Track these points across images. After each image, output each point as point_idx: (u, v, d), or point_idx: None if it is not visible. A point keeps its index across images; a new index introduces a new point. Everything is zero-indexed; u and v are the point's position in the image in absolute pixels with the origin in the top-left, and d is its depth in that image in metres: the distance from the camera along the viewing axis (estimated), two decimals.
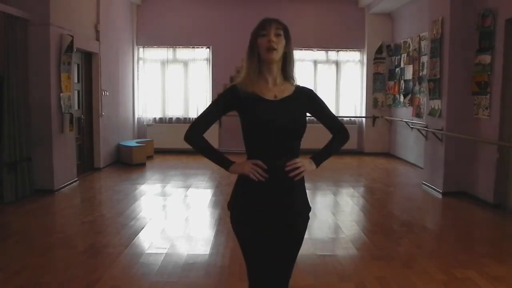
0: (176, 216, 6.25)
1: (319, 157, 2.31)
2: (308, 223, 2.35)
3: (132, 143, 10.49)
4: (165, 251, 4.74)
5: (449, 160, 7.37)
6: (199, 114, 2.30)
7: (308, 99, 2.29)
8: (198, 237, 5.24)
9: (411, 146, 10.55)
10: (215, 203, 6.87)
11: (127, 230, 5.41)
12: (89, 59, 8.95)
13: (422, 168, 8.76)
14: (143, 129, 11.82)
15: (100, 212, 6.36)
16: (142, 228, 5.49)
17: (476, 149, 7.02)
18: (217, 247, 4.87)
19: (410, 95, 10.40)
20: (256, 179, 2.13)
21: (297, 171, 2.15)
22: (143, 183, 8.24)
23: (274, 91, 2.21)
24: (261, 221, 2.18)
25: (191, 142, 2.25)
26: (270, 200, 2.17)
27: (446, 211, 6.79)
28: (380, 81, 11.85)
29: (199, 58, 11.80)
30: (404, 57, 10.74)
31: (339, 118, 2.51)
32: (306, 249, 4.47)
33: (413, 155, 10.36)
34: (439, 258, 4.66)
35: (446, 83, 7.29)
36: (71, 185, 7.78)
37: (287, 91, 2.24)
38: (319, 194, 7.70)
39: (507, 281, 4.06)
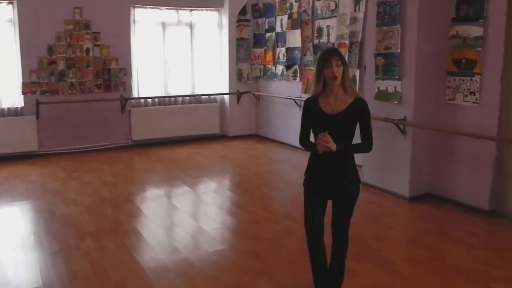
0: None
1: (342, 147, 2.95)
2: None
3: None
4: None
5: (417, 158, 5.83)
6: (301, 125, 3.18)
7: (358, 111, 3.01)
8: None
9: (296, 127, 8.76)
10: None
11: None
12: None
13: None
14: None
15: None
16: None
17: (454, 143, 5.67)
18: None
19: (296, 66, 8.59)
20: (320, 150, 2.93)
21: (324, 143, 2.88)
22: None
23: (333, 105, 2.99)
24: (319, 184, 3.14)
25: (304, 146, 3.18)
26: (324, 170, 3.09)
27: (437, 224, 5.26)
28: (245, 49, 9.79)
29: None
30: (283, 20, 8.84)
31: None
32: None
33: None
34: None
35: (412, 60, 5.65)
36: None
37: (344, 104, 2.98)
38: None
39: None
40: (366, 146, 3.08)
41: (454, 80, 5.53)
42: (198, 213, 5.66)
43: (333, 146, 2.93)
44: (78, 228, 5.00)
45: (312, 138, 3.19)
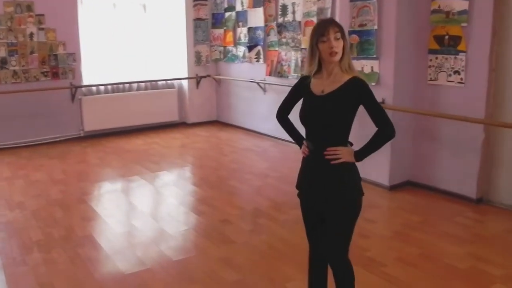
0: None
1: (361, 153, 2.43)
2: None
3: None
4: None
5: (397, 144, 5.36)
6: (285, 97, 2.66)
7: (356, 92, 2.38)
8: None
9: (261, 113, 8.30)
10: None
11: None
12: None
13: (285, 141, 7.40)
14: None
15: None
16: None
17: (437, 127, 5.28)
18: None
19: (259, 47, 8.00)
20: (304, 155, 2.55)
21: (332, 157, 2.38)
22: None
23: (325, 85, 2.42)
24: (308, 193, 2.56)
25: (279, 121, 2.74)
26: (313, 178, 2.51)
27: (431, 215, 4.84)
28: (203, 30, 9.12)
29: None
30: None
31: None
32: None
33: (266, 124, 8.17)
34: None
35: (391, 38, 5.19)
36: None
37: (337, 84, 2.39)
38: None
39: None
40: (386, 132, 2.44)
41: (436, 58, 5.10)
42: (161, 214, 5.06)
43: (346, 154, 2.43)
44: (24, 238, 4.34)
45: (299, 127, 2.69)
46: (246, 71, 8.48)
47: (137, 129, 8.68)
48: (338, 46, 2.36)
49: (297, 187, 2.66)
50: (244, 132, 8.69)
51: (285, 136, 7.40)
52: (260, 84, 8.11)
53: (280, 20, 7.52)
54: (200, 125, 9.28)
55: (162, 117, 8.97)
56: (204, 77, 9.24)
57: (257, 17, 7.97)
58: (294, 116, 2.71)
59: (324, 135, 2.45)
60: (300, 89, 2.59)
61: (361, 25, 5.43)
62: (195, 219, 4.84)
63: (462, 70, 4.88)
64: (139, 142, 8.02)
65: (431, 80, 5.19)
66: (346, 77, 2.42)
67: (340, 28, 2.40)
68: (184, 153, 7.56)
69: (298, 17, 7.17)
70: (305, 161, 2.59)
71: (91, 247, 4.17)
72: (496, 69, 4.73)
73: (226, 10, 8.74)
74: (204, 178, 6.17)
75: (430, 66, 5.18)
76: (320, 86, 2.46)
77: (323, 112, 2.40)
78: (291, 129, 2.74)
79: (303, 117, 2.51)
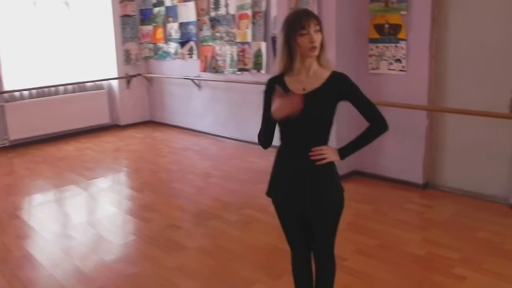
0: None
1: (345, 150, 2.33)
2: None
3: None
4: None
5: (342, 134, 5.31)
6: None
7: (340, 87, 2.25)
8: None
9: (197, 110, 8.09)
10: None
11: None
12: None
13: (224, 138, 7.48)
14: None
15: None
16: None
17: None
18: None
19: (191, 43, 7.77)
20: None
21: (318, 157, 2.24)
22: None
23: (305, 83, 2.23)
24: (290, 198, 2.35)
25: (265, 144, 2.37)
26: (296, 181, 2.30)
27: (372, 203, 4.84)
28: (131, 27, 8.74)
29: None
30: None
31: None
32: None
33: (203, 122, 8.01)
34: None
35: (331, 28, 5.13)
36: None
37: (320, 80, 2.23)
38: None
39: None
40: (379, 126, 2.33)
41: (377, 47, 5.09)
42: (103, 224, 4.72)
43: (331, 154, 2.29)
44: None
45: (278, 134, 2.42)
46: (179, 68, 8.21)
47: (67, 135, 8.17)
48: (318, 40, 2.19)
49: (271, 193, 2.45)
50: (180, 131, 8.42)
51: (223, 133, 7.28)
52: (195, 80, 7.87)
53: (213, 14, 7.32)
54: (134, 127, 8.90)
55: (92, 121, 8.50)
56: (135, 76, 8.87)
57: (188, 12, 7.71)
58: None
59: (307, 135, 2.28)
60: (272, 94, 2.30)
61: None
62: (140, 227, 4.56)
63: (403, 58, 4.90)
64: (70, 148, 7.55)
65: (372, 69, 5.18)
66: (327, 73, 2.27)
67: (319, 21, 2.22)
68: (119, 157, 7.20)
69: (232, 10, 7.00)
70: (282, 163, 2.38)
71: (30, 267, 3.80)
72: (436, 56, 4.78)
73: (154, 5, 8.41)
74: (145, 182, 5.86)
75: (371, 55, 5.17)
76: (299, 84, 2.26)
77: (309, 111, 2.18)
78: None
79: (284, 125, 2.29)
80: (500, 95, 4.34)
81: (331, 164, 2.33)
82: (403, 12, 4.82)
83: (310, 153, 2.26)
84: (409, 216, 4.51)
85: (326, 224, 2.41)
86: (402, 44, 4.89)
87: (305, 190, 2.31)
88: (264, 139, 2.37)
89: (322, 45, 2.22)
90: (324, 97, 2.22)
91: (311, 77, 2.26)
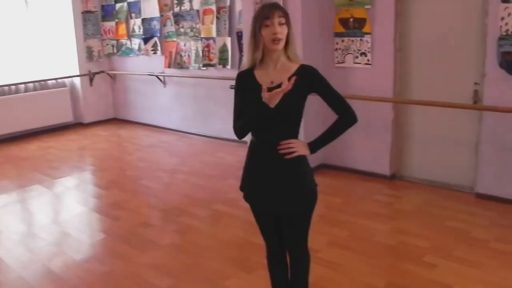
0: None
1: (315, 144, 2.32)
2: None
3: None
4: None
5: (309, 128, 5.39)
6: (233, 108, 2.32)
7: (308, 80, 2.23)
8: None
9: (162, 106, 8.03)
10: None
11: None
12: None
13: (191, 134, 7.49)
14: None
15: None
16: None
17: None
18: None
19: (155, 39, 7.70)
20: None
21: (287, 151, 2.23)
22: None
23: (273, 76, 2.22)
24: (262, 194, 2.34)
25: (243, 134, 2.30)
26: (268, 177, 2.29)
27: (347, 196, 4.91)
28: (93, 23, 8.57)
29: None
30: None
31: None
32: None
33: (169, 118, 7.95)
34: None
35: (297, 22, 5.16)
36: None
37: (287, 73, 2.19)
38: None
39: None
40: (347, 118, 2.32)
41: (343, 41, 5.16)
42: (73, 223, 4.62)
43: (300, 147, 2.28)
44: None
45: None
46: (143, 64, 8.11)
47: (29, 134, 7.97)
48: (282, 32, 2.16)
49: (244, 188, 2.45)
50: (146, 128, 8.33)
51: (190, 129, 7.25)
52: (159, 77, 7.79)
53: (176, 9, 7.26)
54: (98, 124, 8.75)
55: (55, 119, 8.31)
56: (98, 73, 8.71)
57: (151, 7, 7.62)
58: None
59: (277, 129, 2.26)
60: (245, 86, 2.30)
61: None
62: (110, 225, 4.49)
63: (369, 52, 4.98)
64: (33, 147, 7.36)
65: (338, 62, 5.24)
66: (295, 66, 2.25)
67: (285, 13, 2.19)
68: (85, 156, 7.07)
69: (196, 5, 6.95)
70: (253, 159, 2.38)
71: None
72: (400, 49, 4.87)
73: (116, 1, 8.27)
74: (113, 180, 5.77)
75: (337, 49, 5.22)
76: (267, 77, 2.24)
77: (278, 105, 2.13)
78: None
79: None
80: (464, 87, 4.46)
81: (303, 158, 2.32)
82: (368, 6, 4.89)
83: (279, 147, 2.24)
84: (378, 207, 4.59)
85: (298, 222, 2.40)
86: (367, 37, 4.96)
87: (276, 188, 2.29)
88: (251, 129, 2.33)
89: (288, 39, 2.21)
90: (293, 90, 2.10)
91: (278, 70, 2.24)
